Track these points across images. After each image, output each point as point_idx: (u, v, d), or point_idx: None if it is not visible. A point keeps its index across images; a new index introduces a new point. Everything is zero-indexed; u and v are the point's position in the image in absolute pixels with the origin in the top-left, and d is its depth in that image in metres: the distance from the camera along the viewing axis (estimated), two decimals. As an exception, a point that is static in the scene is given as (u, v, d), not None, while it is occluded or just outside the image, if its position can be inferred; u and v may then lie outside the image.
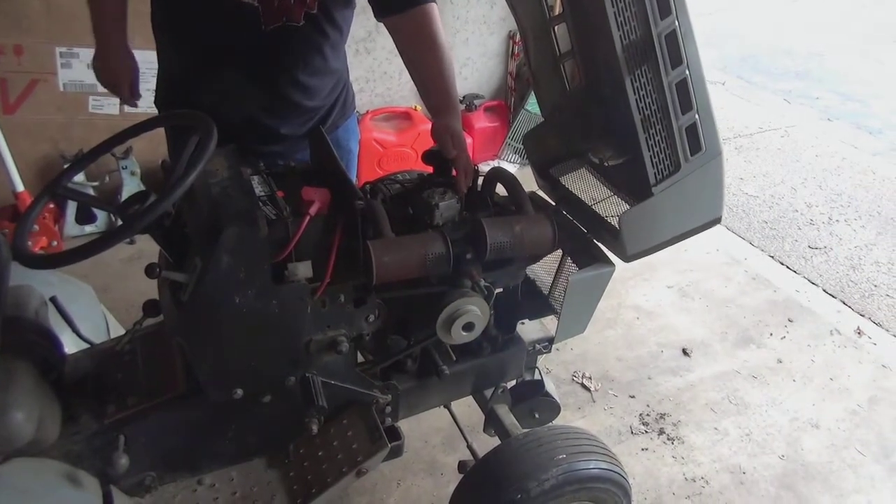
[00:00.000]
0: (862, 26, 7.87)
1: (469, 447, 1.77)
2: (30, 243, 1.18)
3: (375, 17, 1.64)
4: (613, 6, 1.18)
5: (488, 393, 1.73)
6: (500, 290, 1.55)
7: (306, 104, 1.66)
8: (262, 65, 1.57)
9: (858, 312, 3.07)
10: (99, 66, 1.78)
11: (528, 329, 1.69)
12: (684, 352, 2.72)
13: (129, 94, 1.83)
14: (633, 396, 2.49)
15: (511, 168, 3.93)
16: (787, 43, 7.12)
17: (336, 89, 1.75)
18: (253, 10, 1.48)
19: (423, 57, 1.61)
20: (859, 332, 2.90)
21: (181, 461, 1.38)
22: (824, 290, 3.22)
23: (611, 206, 1.53)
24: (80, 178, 2.97)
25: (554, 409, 1.84)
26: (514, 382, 1.78)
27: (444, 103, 1.60)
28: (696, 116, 1.26)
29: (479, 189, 1.57)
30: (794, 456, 2.29)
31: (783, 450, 2.30)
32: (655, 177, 1.32)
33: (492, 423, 1.74)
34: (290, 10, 1.50)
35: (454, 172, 1.53)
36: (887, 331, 2.95)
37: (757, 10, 8.32)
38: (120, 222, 1.17)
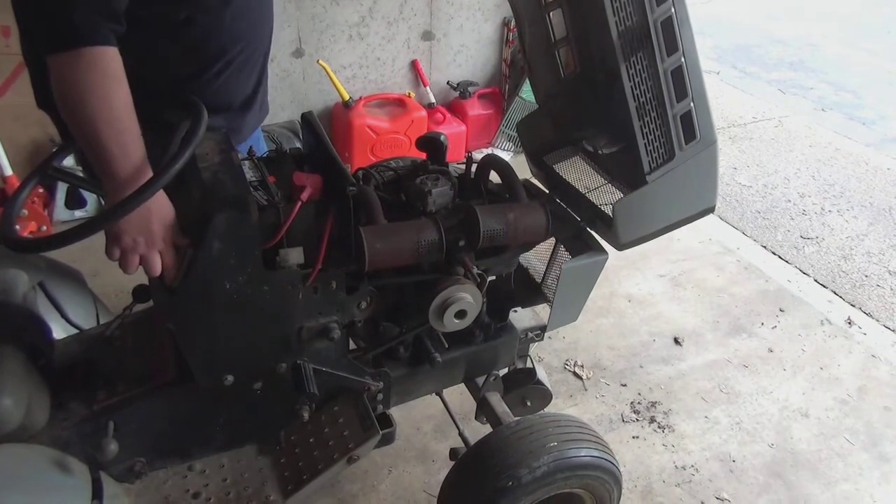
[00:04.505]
0: (854, 16, 7.87)
1: (461, 434, 1.77)
2: (18, 227, 1.16)
3: None
4: (609, -8, 1.17)
5: (480, 380, 1.73)
6: (493, 277, 1.55)
7: None
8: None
9: (849, 302, 3.08)
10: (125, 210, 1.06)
11: (521, 317, 1.69)
12: (676, 341, 2.73)
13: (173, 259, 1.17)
14: (624, 385, 2.50)
15: (505, 155, 3.92)
16: (781, 33, 7.11)
17: None
18: None
19: None
20: (850, 322, 2.91)
21: (171, 447, 1.38)
22: (816, 280, 3.23)
23: (605, 195, 1.53)
24: (69, 162, 2.94)
25: (546, 396, 1.85)
26: (506, 370, 1.78)
27: None
28: (692, 105, 1.26)
29: (472, 176, 1.56)
30: (783, 444, 2.30)
31: (773, 438, 2.32)
32: (650, 165, 1.32)
33: (483, 410, 1.74)
34: None
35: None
36: (877, 321, 2.96)
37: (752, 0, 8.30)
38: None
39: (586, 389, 2.47)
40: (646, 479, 2.14)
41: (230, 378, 1.29)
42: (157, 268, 1.15)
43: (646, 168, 1.32)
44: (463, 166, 1.55)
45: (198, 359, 1.26)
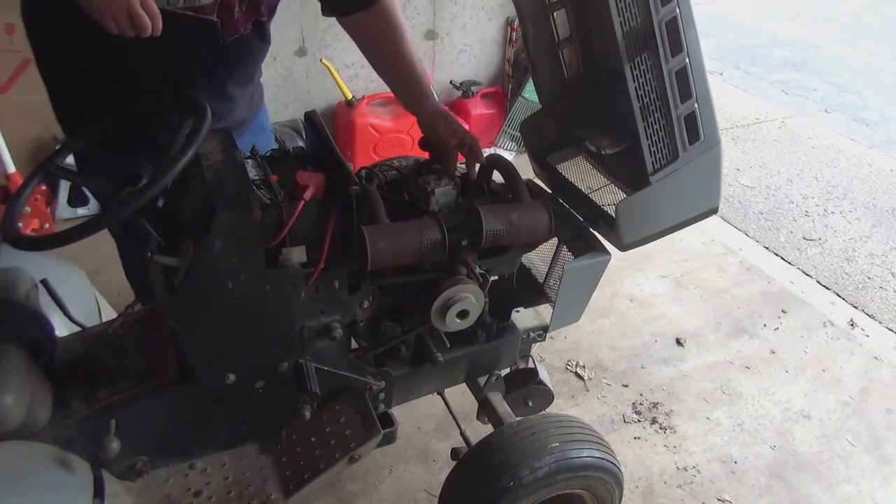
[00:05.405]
0: (856, 16, 7.86)
1: (462, 434, 1.77)
2: (21, 225, 1.16)
3: (328, 14, 1.54)
4: (614, -8, 1.17)
5: (482, 380, 1.73)
6: (496, 277, 1.55)
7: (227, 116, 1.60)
8: (219, 78, 1.52)
9: (852, 304, 3.08)
10: None
11: (523, 317, 1.69)
12: (678, 341, 2.73)
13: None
14: (626, 385, 2.49)
15: (508, 155, 3.91)
16: (785, 33, 7.11)
17: (251, 97, 1.69)
18: (211, 25, 1.39)
19: (394, 51, 1.54)
20: (852, 324, 2.91)
21: (173, 446, 1.38)
22: (818, 282, 3.23)
23: (607, 195, 1.53)
24: (72, 160, 2.95)
25: (547, 397, 1.85)
26: (507, 370, 1.78)
27: (421, 91, 1.56)
28: (696, 105, 1.25)
29: (475, 176, 1.56)
30: (785, 446, 2.30)
31: (774, 440, 2.32)
32: (653, 165, 1.31)
33: (485, 410, 1.74)
34: (246, 20, 1.45)
35: (460, 157, 1.50)
36: (880, 322, 2.96)
37: (756, 0, 8.29)
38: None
39: (588, 390, 2.47)
40: (647, 480, 2.14)
41: (232, 377, 1.29)
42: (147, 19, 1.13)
43: (649, 169, 1.31)
44: (465, 166, 1.55)
45: (199, 358, 1.26)
